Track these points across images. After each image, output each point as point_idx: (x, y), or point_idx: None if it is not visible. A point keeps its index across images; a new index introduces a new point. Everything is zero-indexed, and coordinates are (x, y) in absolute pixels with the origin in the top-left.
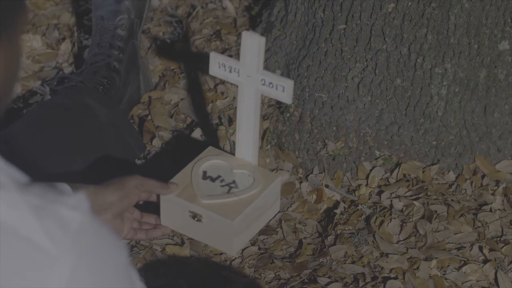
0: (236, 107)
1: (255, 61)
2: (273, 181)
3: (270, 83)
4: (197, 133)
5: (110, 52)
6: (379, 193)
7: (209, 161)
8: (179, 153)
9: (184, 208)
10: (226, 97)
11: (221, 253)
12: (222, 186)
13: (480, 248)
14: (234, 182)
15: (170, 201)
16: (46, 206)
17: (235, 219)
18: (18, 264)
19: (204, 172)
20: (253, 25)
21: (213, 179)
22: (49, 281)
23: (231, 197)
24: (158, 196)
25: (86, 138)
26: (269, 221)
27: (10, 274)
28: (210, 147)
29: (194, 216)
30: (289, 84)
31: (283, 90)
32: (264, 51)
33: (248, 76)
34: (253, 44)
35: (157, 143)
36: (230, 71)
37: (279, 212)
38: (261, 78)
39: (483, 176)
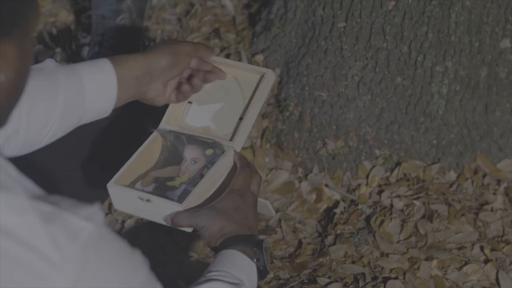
0: None
1: None
2: (225, 154)
3: None
4: None
5: (112, 53)
6: (379, 193)
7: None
8: None
9: (132, 194)
10: None
11: None
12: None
13: (481, 248)
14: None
15: (118, 189)
16: (57, 214)
17: (183, 202)
18: (16, 270)
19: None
20: (252, 23)
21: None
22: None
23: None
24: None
25: (86, 138)
26: None
27: (6, 280)
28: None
29: (142, 198)
30: None
31: None
32: None
33: None
34: None
35: None
36: None
37: (278, 211)
38: None
39: (484, 175)
